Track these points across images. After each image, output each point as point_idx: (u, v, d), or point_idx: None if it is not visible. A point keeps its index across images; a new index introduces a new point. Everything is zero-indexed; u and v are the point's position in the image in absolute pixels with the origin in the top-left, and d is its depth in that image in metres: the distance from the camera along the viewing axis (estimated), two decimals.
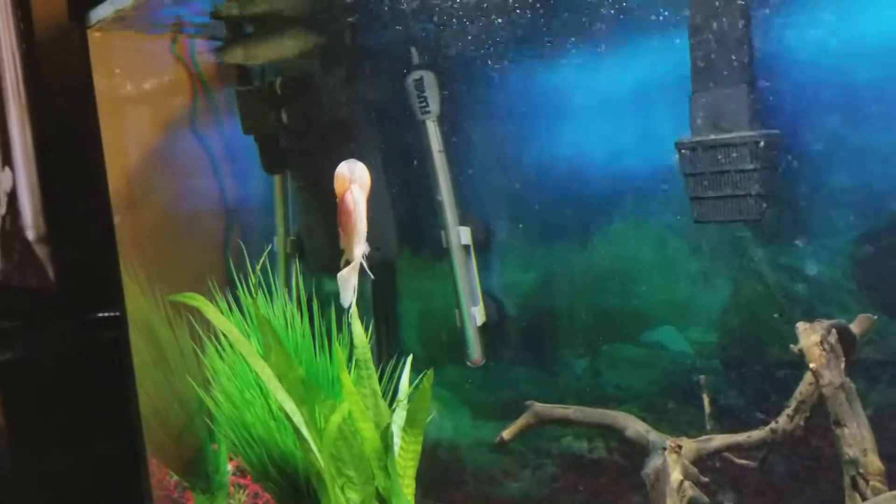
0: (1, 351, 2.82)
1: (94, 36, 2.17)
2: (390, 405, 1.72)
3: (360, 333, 1.69)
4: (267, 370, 1.70)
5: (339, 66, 2.18)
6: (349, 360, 1.77)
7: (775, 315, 1.78)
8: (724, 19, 1.65)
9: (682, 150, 1.73)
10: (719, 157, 1.68)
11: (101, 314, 2.88)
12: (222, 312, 1.89)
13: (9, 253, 3.15)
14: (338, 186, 1.46)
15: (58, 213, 2.74)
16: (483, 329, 2.16)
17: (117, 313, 2.84)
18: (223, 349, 1.96)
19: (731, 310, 1.86)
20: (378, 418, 1.62)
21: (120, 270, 2.20)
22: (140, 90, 2.54)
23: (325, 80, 2.12)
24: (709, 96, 1.69)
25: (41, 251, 2.75)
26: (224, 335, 1.90)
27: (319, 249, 2.35)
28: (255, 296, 1.80)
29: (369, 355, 1.68)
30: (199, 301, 1.81)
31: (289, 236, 2.53)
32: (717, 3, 1.65)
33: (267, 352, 1.68)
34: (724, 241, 1.82)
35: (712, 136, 1.68)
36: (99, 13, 2.06)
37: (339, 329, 1.82)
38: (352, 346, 1.72)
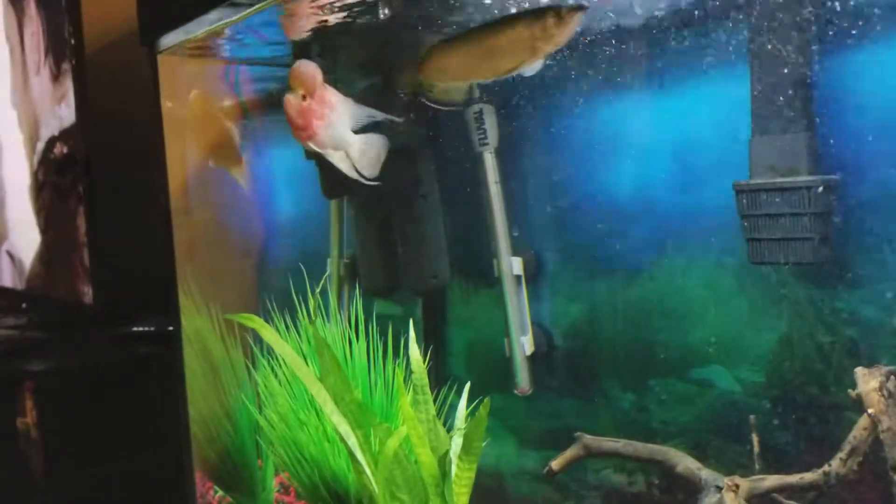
0: (36, 362, 2.87)
1: (161, 59, 2.24)
2: None
3: (417, 358, 1.73)
4: (323, 392, 1.73)
5: (400, 97, 2.23)
6: (404, 384, 1.80)
7: (826, 358, 1.78)
8: (786, 63, 1.68)
9: (740, 192, 1.75)
10: (777, 200, 1.70)
11: (140, 328, 2.93)
12: (279, 333, 1.94)
13: (51, 264, 3.22)
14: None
15: (99, 226, 2.80)
16: (531, 359, 2.19)
17: (152, 328, 2.89)
18: (278, 367, 2.00)
19: (782, 351, 1.86)
20: (436, 444, 1.65)
21: (177, 285, 2.25)
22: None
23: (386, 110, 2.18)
24: (768, 140, 1.72)
25: (82, 263, 2.80)
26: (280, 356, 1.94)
27: (373, 273, 2.40)
28: (314, 318, 1.84)
29: (426, 380, 1.71)
30: (256, 322, 1.85)
31: (342, 259, 2.58)
32: (778, 47, 1.68)
33: (325, 374, 1.71)
34: (778, 283, 1.83)
35: (771, 180, 1.71)
36: (170, 39, 2.12)
37: (396, 354, 1.86)
38: (408, 370, 1.75)
